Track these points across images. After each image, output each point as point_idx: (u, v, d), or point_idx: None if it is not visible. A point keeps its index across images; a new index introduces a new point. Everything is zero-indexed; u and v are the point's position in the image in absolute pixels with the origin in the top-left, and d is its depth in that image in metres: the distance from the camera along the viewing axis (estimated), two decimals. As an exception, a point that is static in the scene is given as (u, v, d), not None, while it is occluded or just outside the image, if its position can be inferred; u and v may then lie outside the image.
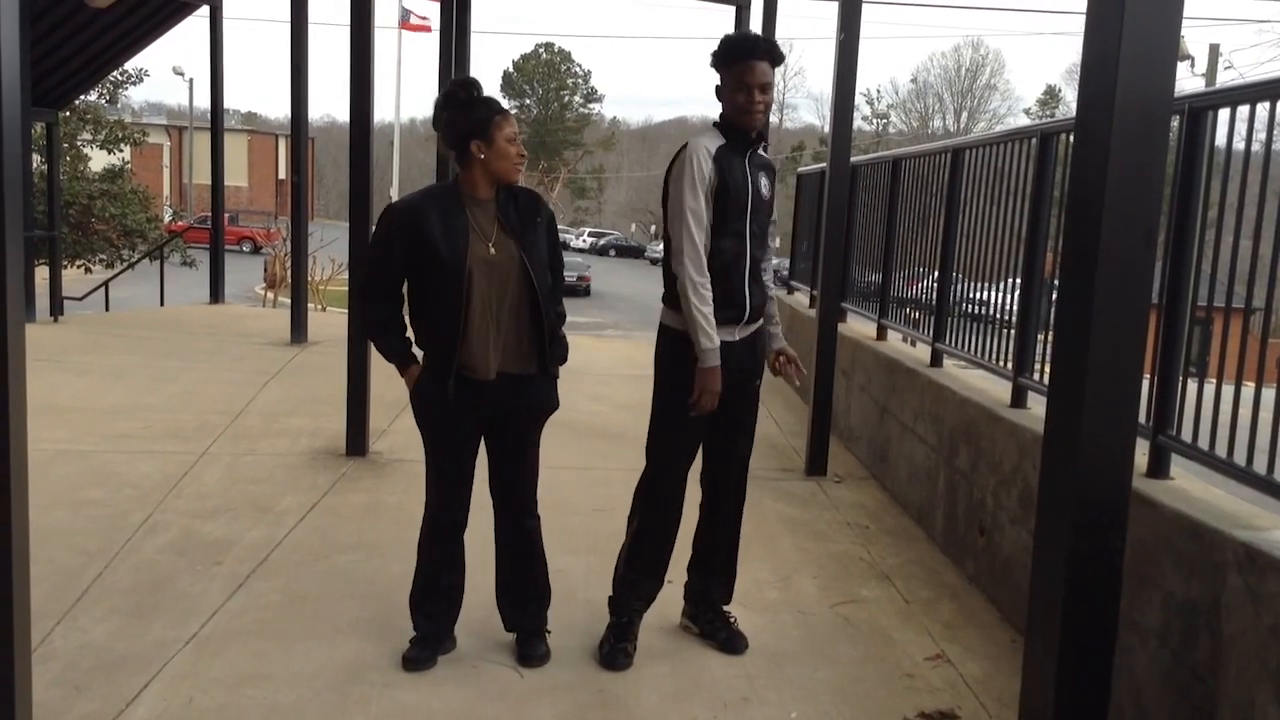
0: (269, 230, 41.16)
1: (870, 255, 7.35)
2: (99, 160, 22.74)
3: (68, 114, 20.01)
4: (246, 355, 9.60)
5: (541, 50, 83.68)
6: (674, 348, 3.72)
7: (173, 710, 3.32)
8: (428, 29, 42.45)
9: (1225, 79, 27.11)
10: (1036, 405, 4.50)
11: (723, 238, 3.66)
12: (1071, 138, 3.10)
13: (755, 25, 9.55)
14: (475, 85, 3.58)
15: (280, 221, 35.49)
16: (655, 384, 3.83)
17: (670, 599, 4.34)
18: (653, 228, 75.91)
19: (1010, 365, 4.67)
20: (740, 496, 4.01)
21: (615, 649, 3.83)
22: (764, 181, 3.79)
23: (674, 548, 3.95)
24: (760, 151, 3.78)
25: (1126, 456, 2.85)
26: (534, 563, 3.85)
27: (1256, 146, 3.03)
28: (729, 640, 3.95)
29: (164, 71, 55.77)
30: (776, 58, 3.70)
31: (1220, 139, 3.18)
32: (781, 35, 9.05)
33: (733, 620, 4.02)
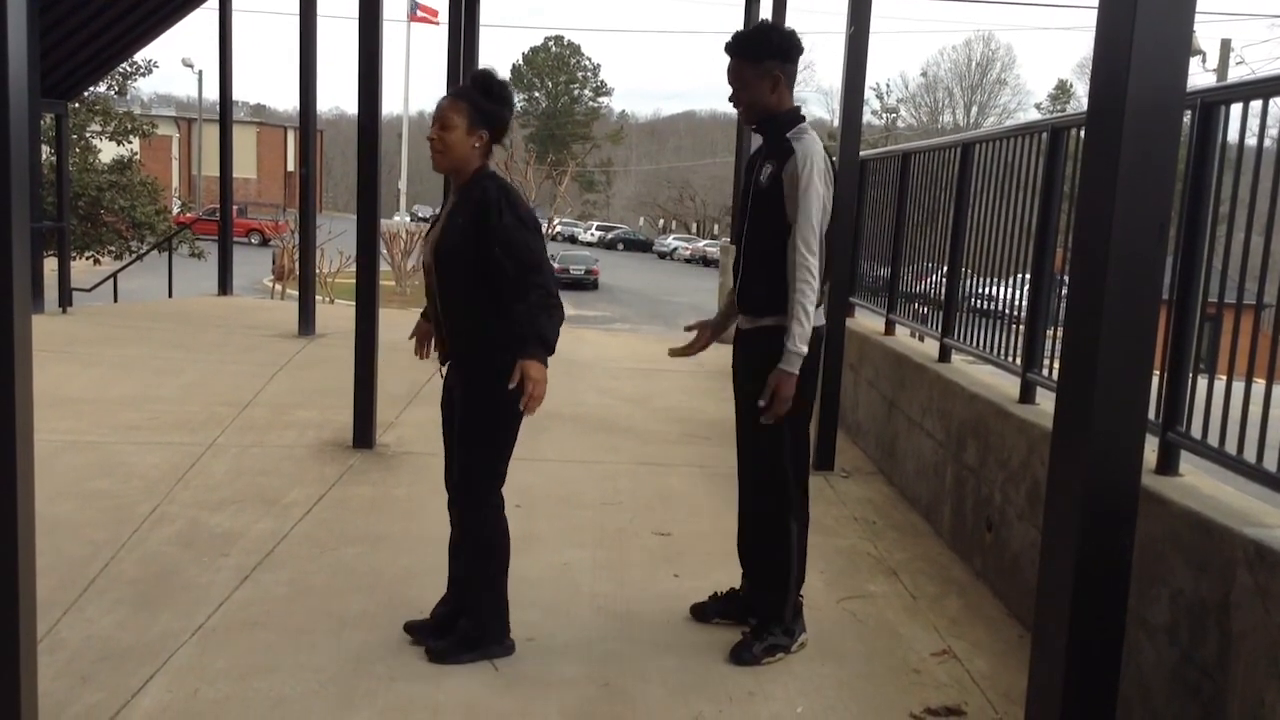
0: (277, 222, 41.19)
1: (879, 250, 7.34)
2: (108, 152, 22.81)
3: (77, 105, 20.04)
4: (254, 347, 9.61)
5: (551, 43, 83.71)
6: (817, 341, 3.74)
7: (179, 701, 3.33)
8: (436, 22, 42.50)
9: (1237, 74, 26.99)
10: (1045, 401, 4.49)
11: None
12: (1082, 132, 3.08)
13: (765, 16, 9.54)
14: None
15: (288, 213, 35.55)
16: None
17: (678, 594, 4.34)
18: (660, 221, 75.90)
19: (1019, 361, 4.66)
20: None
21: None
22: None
23: None
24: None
25: (1136, 453, 2.84)
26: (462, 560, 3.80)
27: (1268, 142, 3.02)
28: (735, 649, 3.86)
29: (173, 63, 56.04)
30: None
31: (1232, 134, 3.16)
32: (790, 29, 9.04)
33: (750, 627, 3.96)
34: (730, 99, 3.80)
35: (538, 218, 3.66)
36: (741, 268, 3.85)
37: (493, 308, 3.51)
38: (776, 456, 3.81)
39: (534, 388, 3.41)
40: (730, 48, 3.73)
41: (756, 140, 3.89)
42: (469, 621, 3.71)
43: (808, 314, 3.61)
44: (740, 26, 10.01)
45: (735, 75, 3.73)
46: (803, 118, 3.78)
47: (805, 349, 3.61)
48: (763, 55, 3.71)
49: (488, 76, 3.64)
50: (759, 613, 3.92)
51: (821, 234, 3.64)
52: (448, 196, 3.66)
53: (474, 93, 3.58)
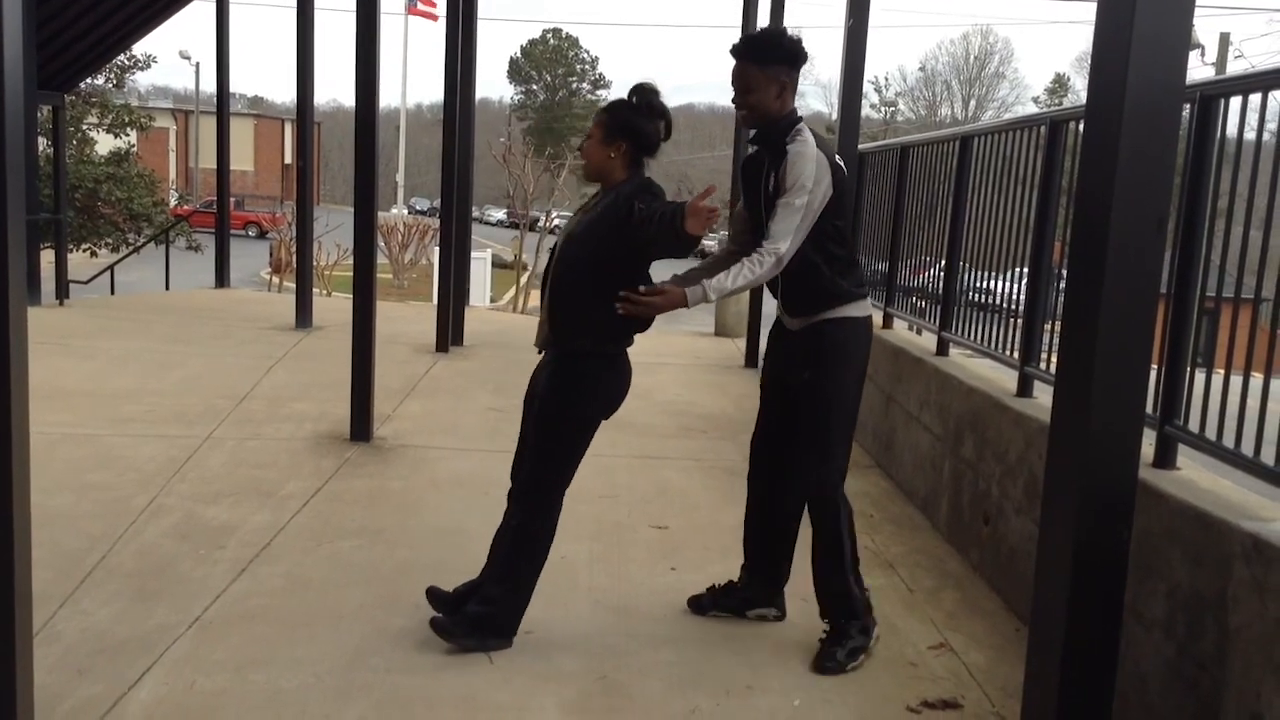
0: (275, 215, 41.12)
1: (877, 243, 7.33)
2: (105, 144, 22.75)
3: (74, 98, 20.00)
4: (251, 340, 9.60)
5: (549, 36, 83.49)
6: (856, 332, 3.78)
7: (175, 694, 3.33)
8: (434, 16, 42.41)
9: (1235, 68, 26.98)
10: (1043, 395, 4.49)
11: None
12: (1081, 126, 3.08)
13: (764, 12, 9.52)
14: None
15: (286, 206, 35.49)
16: (825, 383, 3.76)
17: (678, 587, 4.34)
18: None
19: (1017, 354, 4.66)
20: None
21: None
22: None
23: None
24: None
25: (1133, 446, 2.84)
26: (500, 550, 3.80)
27: (1267, 136, 3.01)
28: (818, 658, 3.83)
29: (170, 55, 55.80)
30: None
31: (1231, 128, 3.15)
32: (790, 22, 9.03)
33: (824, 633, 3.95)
34: (734, 100, 3.78)
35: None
36: (779, 278, 3.77)
37: (598, 303, 3.53)
38: (827, 442, 3.81)
39: (644, 304, 3.44)
40: (739, 50, 3.71)
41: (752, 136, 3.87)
42: (480, 607, 3.71)
43: (732, 289, 3.62)
44: (739, 21, 10.00)
45: (742, 78, 3.71)
46: (800, 119, 3.76)
47: (711, 299, 3.61)
48: (770, 60, 3.70)
49: (639, 89, 3.69)
50: (829, 616, 3.88)
51: (798, 231, 3.59)
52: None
53: (620, 104, 3.66)
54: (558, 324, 3.62)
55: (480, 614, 3.71)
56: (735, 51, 3.73)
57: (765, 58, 3.69)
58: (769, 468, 4.01)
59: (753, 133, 3.83)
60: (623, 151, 3.61)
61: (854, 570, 3.87)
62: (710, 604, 4.13)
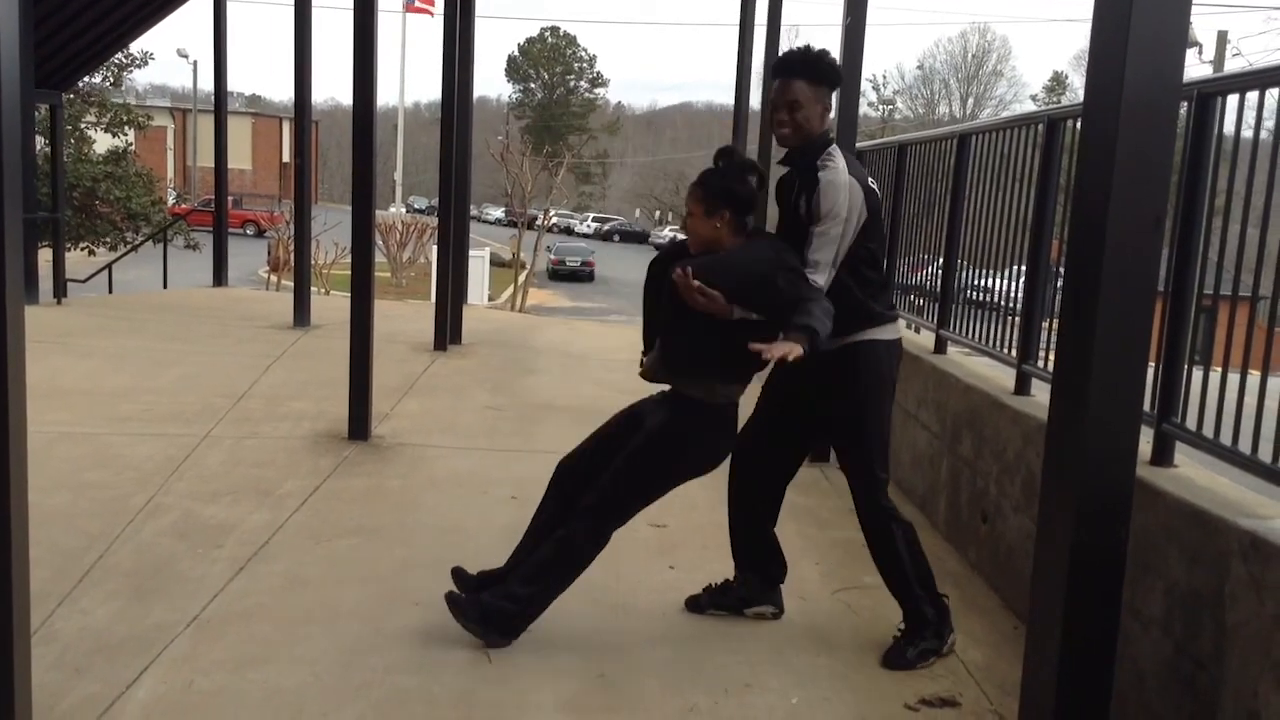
0: (272, 213, 41.12)
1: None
2: (103, 143, 22.74)
3: (72, 96, 19.98)
4: (249, 338, 9.60)
5: (547, 34, 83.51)
6: (889, 354, 3.83)
7: (173, 693, 3.33)
8: (432, 13, 42.39)
9: (1233, 66, 26.99)
10: (1041, 393, 4.49)
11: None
12: (1078, 124, 3.08)
13: (761, 11, 9.51)
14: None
15: (284, 205, 35.45)
16: (862, 414, 3.80)
17: (675, 585, 4.34)
18: (656, 213, 75.83)
19: (1014, 352, 4.66)
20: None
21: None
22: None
23: None
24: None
25: (1131, 444, 2.84)
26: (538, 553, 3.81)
27: (1264, 134, 3.01)
28: (888, 654, 3.85)
29: (168, 53, 55.67)
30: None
31: (1229, 125, 3.15)
32: (787, 21, 9.02)
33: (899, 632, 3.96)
34: (776, 117, 3.73)
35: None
36: None
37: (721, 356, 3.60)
38: (869, 464, 3.84)
39: (773, 349, 3.40)
40: (795, 68, 3.69)
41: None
42: (498, 601, 3.71)
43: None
44: (737, 20, 9.99)
45: (793, 94, 3.68)
46: (832, 140, 3.77)
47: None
48: (823, 80, 3.72)
49: (725, 153, 3.71)
50: (905, 619, 3.89)
51: (835, 260, 3.62)
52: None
53: (711, 174, 3.65)
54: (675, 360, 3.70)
55: (496, 608, 3.70)
56: (790, 69, 3.70)
57: (819, 78, 3.70)
58: (753, 467, 4.02)
59: (784, 153, 3.82)
60: (726, 220, 3.63)
61: (923, 586, 3.85)
62: (708, 603, 4.14)
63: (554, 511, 3.83)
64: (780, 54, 3.79)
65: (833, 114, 4.00)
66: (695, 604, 4.15)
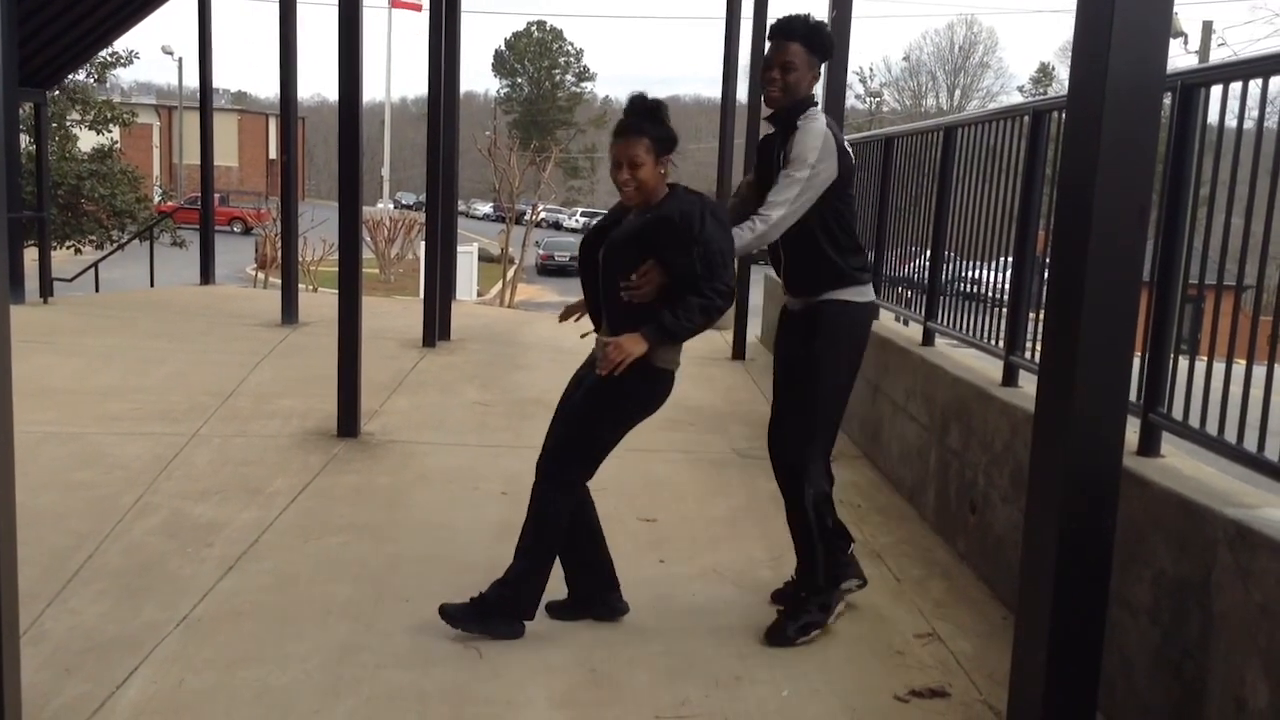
0: (259, 210, 41.01)
1: (862, 233, 7.32)
2: (88, 140, 22.63)
3: (56, 94, 19.87)
4: (237, 336, 9.57)
5: (533, 29, 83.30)
6: (854, 317, 3.84)
7: (164, 692, 3.32)
8: (418, 7, 42.25)
9: (1218, 56, 27.05)
10: (1028, 384, 4.50)
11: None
12: (1064, 115, 3.09)
13: (746, 5, 9.51)
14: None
15: (271, 202, 35.37)
16: (817, 361, 3.81)
17: (662, 578, 4.35)
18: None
19: (1002, 344, 4.67)
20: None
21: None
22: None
23: None
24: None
25: (1117, 434, 2.86)
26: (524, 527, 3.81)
27: (1249, 124, 3.02)
28: (770, 630, 3.88)
29: (153, 51, 55.46)
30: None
31: (1213, 116, 3.16)
32: (773, 15, 9.01)
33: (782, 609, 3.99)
34: (769, 76, 3.79)
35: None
36: (782, 255, 3.88)
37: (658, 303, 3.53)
38: (809, 420, 3.86)
39: (615, 351, 3.42)
40: (794, 32, 3.74)
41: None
42: (497, 589, 3.73)
43: (744, 249, 3.71)
44: (723, 14, 9.99)
45: (789, 56, 3.75)
46: (816, 103, 3.84)
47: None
48: (817, 47, 3.79)
49: (647, 103, 3.62)
50: (797, 582, 3.95)
51: (796, 204, 3.68)
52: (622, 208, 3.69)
53: (647, 124, 3.55)
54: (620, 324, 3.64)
55: (493, 599, 3.72)
56: (787, 32, 3.75)
57: (814, 44, 3.77)
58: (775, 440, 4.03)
59: (769, 113, 3.88)
60: (667, 165, 3.59)
61: (824, 546, 3.87)
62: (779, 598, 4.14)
63: None
64: (781, 16, 3.82)
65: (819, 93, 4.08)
66: (781, 597, 4.13)
